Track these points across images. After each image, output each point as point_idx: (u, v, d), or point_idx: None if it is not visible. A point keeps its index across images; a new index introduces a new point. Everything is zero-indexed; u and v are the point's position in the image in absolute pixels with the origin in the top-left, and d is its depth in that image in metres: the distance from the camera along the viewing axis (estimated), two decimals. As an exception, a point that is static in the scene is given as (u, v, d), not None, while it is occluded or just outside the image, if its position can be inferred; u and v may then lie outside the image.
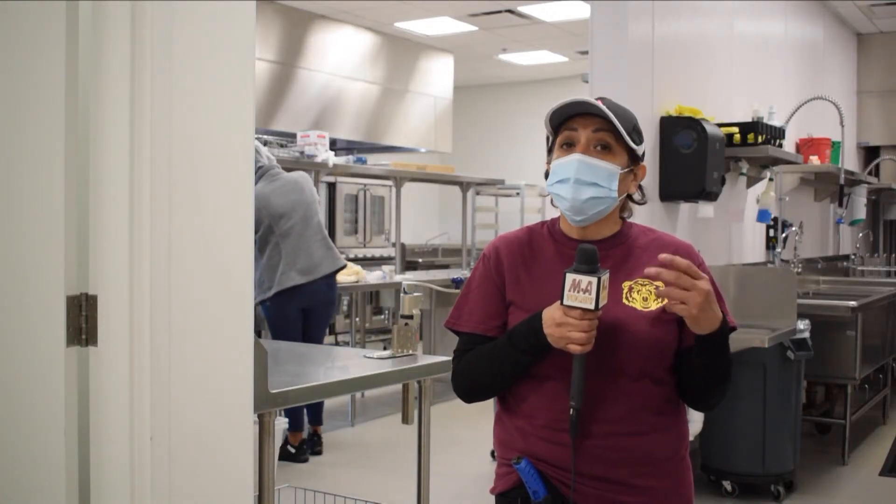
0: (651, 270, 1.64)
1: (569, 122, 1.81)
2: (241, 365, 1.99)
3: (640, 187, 1.88)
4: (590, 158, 1.77)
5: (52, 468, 1.83)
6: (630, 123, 1.81)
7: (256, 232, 4.91)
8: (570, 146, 1.80)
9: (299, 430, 5.17)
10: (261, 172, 5.04)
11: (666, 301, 1.71)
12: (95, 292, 1.82)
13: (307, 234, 5.03)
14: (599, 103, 1.78)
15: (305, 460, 5.18)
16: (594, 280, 1.62)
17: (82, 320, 1.82)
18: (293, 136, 7.04)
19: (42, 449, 1.86)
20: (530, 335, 1.73)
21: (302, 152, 6.59)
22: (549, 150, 1.88)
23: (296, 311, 5.04)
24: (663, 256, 1.63)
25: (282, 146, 6.89)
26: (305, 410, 5.28)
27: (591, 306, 1.63)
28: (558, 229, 1.89)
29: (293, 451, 5.13)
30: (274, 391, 2.31)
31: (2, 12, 1.87)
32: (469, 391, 1.89)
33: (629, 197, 1.87)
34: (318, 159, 6.56)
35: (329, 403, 6.04)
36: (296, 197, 5.03)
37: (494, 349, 1.81)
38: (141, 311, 1.80)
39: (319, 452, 5.36)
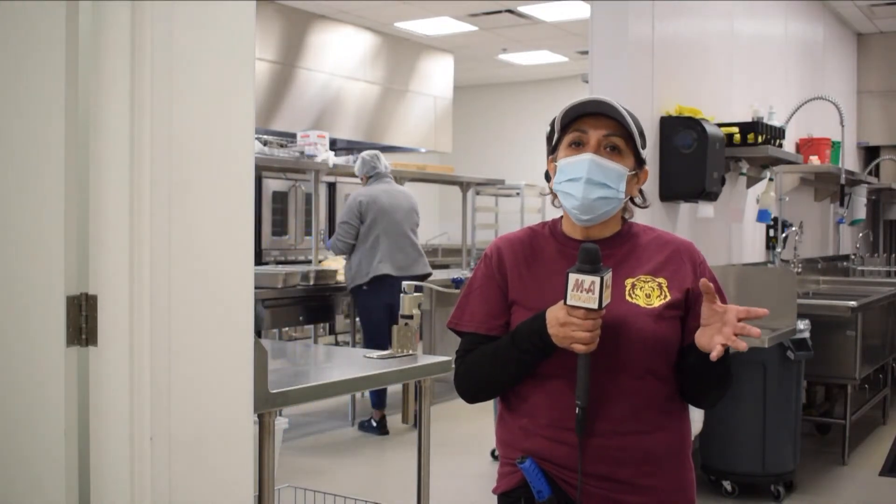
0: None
1: (578, 123, 1.80)
2: (241, 365, 1.99)
3: (640, 191, 1.89)
4: (601, 159, 1.78)
5: (52, 468, 1.83)
6: (638, 127, 1.82)
7: (363, 223, 5.64)
8: (578, 146, 1.80)
9: (381, 408, 5.76)
10: (376, 177, 5.81)
11: (669, 298, 1.73)
12: (95, 292, 1.83)
13: (406, 234, 5.77)
14: (616, 104, 1.79)
15: (386, 433, 5.75)
16: (597, 280, 1.62)
17: (82, 320, 1.82)
18: (293, 136, 7.04)
19: (42, 449, 1.86)
20: (534, 335, 1.73)
21: (302, 152, 6.59)
22: (552, 150, 1.88)
23: (383, 305, 5.53)
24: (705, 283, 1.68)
25: (282, 146, 6.88)
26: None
27: (595, 306, 1.63)
28: (560, 230, 1.89)
29: (375, 424, 5.73)
30: (274, 391, 2.32)
31: (2, 12, 1.86)
32: (472, 391, 1.89)
33: (631, 200, 1.88)
34: (318, 159, 6.55)
35: (329, 403, 6.04)
36: (400, 202, 5.78)
37: (497, 349, 1.81)
38: (141, 311, 1.80)
39: (387, 432, 5.83)
